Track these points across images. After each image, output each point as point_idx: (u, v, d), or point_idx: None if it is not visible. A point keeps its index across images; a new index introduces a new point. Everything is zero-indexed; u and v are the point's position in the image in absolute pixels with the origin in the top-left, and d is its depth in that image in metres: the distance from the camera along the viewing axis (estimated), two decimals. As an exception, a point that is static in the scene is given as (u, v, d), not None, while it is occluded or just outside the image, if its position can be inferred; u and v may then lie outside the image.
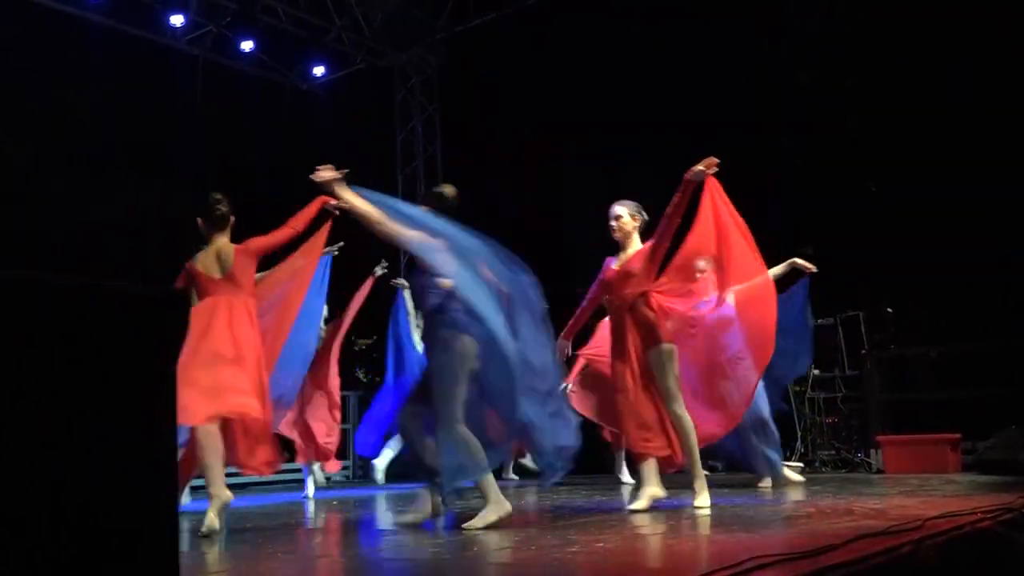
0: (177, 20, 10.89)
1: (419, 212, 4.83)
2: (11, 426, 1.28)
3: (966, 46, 8.94)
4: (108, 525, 1.37)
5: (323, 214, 5.59)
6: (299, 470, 8.63)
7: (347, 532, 5.15)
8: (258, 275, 5.39)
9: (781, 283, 6.61)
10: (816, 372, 8.88)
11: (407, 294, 8.26)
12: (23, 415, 1.29)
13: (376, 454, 8.93)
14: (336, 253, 6.39)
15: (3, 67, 9.30)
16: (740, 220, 5.67)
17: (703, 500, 5.18)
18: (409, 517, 4.94)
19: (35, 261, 8.60)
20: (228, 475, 5.08)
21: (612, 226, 5.60)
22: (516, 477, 9.21)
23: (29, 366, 1.30)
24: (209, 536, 4.52)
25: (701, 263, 5.78)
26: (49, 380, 1.32)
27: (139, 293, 1.39)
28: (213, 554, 4.04)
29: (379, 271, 7.80)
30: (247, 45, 11.49)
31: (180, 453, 4.80)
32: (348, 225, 5.40)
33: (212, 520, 4.63)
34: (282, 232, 5.33)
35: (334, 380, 7.83)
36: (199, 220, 5.19)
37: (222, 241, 5.16)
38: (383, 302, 8.71)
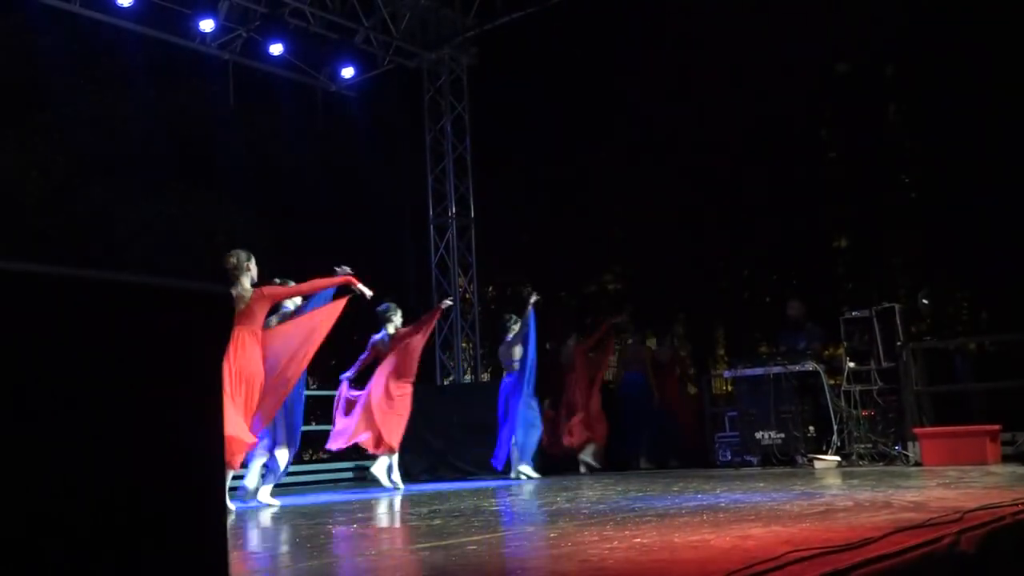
0: (207, 25, 10.98)
1: None
2: (57, 422, 1.31)
3: (1012, 32, 8.83)
4: (160, 517, 1.39)
5: (344, 290, 6.44)
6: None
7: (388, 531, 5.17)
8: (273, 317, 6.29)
9: None
10: (852, 365, 8.81)
11: None
12: (72, 411, 1.31)
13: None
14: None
15: (39, 73, 9.44)
16: None
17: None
18: None
19: (72, 263, 8.75)
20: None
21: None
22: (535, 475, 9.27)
23: (78, 362, 1.32)
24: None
25: None
26: (97, 376, 1.35)
27: (186, 289, 1.42)
28: (276, 552, 4.07)
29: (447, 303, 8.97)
30: (276, 48, 11.57)
31: None
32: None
33: None
34: (298, 288, 6.15)
35: None
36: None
37: (243, 285, 5.91)
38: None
